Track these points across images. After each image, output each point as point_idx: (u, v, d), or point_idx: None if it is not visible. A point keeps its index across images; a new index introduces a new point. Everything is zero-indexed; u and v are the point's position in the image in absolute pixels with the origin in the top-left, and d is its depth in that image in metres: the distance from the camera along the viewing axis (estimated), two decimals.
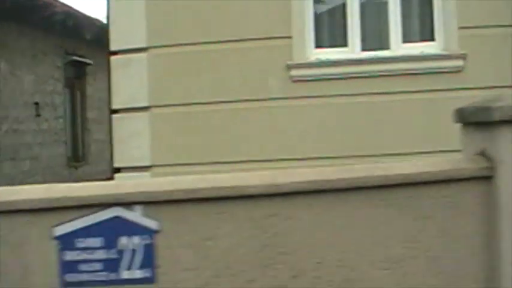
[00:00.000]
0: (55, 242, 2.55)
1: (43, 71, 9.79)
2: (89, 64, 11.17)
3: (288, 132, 4.29)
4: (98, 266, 2.54)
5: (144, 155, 4.44)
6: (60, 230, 2.54)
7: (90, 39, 10.73)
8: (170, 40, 4.43)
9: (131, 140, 4.47)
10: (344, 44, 4.34)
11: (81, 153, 11.07)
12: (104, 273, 2.54)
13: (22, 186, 2.78)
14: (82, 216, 2.53)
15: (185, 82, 4.42)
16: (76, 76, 11.15)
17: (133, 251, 2.54)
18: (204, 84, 4.40)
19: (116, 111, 4.51)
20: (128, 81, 4.47)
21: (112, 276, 2.54)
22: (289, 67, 4.28)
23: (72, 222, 2.54)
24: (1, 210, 2.56)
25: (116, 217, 2.53)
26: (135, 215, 2.53)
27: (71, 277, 2.54)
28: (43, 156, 9.06)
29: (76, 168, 10.62)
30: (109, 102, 4.57)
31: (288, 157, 4.19)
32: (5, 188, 2.71)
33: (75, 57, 10.60)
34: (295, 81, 4.29)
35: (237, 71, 4.36)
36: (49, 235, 2.55)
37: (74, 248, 2.54)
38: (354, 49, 4.29)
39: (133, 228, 2.53)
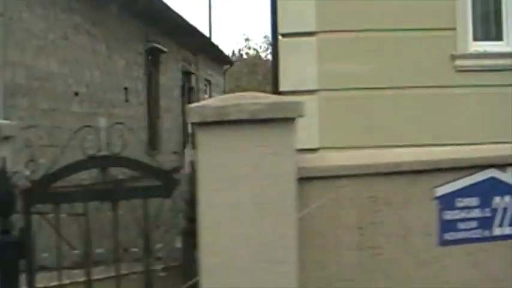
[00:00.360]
0: (435, 202, 2.65)
1: (130, 56, 9.27)
2: (163, 52, 10.66)
3: (452, 119, 4.56)
4: (473, 224, 2.68)
5: (312, 138, 4.49)
6: (441, 191, 2.66)
7: (164, 28, 10.27)
8: (338, 25, 4.54)
9: (298, 122, 4.48)
10: (498, 38, 4.72)
11: (155, 141, 10.49)
12: (478, 230, 2.69)
13: (404, 149, 2.83)
14: (459, 178, 2.66)
15: (351, 67, 4.54)
16: (153, 64, 10.61)
17: (505, 209, 2.70)
18: (370, 70, 4.56)
19: (283, 94, 4.51)
20: (296, 63, 4.51)
21: (485, 233, 2.69)
22: (454, 57, 4.57)
23: (451, 183, 2.66)
24: (385, 171, 2.62)
25: (491, 178, 2.69)
26: (507, 176, 2.70)
27: (449, 235, 2.66)
28: (129, 143, 8.47)
29: (152, 156, 9.99)
30: (275, 84, 4.57)
31: (454, 142, 4.44)
32: (387, 150, 2.75)
33: (155, 44, 10.08)
34: (458, 71, 4.58)
35: (403, 59, 4.56)
36: (429, 196, 2.64)
37: (453, 208, 2.67)
38: (509, 43, 4.69)
39: (505, 188, 2.70)
